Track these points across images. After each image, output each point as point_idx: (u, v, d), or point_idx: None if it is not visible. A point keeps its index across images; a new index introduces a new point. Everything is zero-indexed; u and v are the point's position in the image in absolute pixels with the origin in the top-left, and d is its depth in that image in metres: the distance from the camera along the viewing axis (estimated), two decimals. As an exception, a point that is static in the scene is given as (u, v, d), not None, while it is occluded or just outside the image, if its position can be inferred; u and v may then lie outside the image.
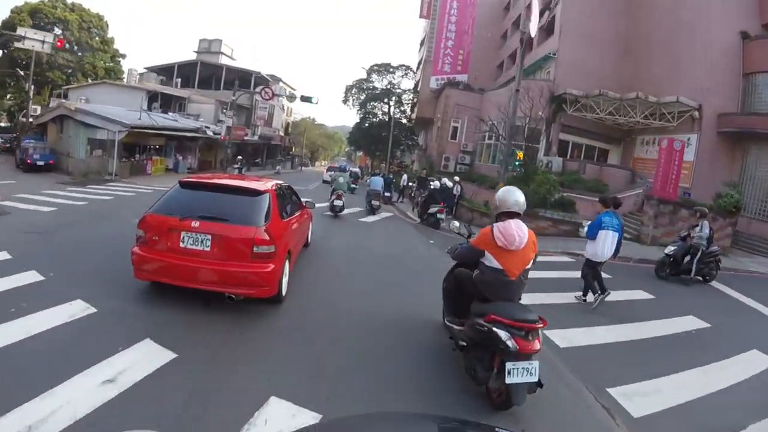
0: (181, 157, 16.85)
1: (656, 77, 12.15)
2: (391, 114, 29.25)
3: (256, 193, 3.27)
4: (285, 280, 3.42)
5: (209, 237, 2.96)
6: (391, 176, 14.17)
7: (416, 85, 28.73)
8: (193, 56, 26.87)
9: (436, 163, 18.10)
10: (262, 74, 26.37)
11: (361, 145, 32.87)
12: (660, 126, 11.72)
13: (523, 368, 2.07)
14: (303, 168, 44.54)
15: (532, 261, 2.39)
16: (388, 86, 29.44)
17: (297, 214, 4.24)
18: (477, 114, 17.18)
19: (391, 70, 29.55)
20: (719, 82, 10.70)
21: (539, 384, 2.13)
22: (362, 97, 30.00)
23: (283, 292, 3.37)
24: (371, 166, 46.82)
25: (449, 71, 20.44)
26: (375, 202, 10.16)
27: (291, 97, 23.43)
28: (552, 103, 13.18)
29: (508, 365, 2.06)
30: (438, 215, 9.06)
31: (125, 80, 23.40)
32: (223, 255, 2.96)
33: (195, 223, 2.96)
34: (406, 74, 30.15)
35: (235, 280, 2.95)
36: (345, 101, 31.63)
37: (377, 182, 10.86)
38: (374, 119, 30.35)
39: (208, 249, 2.96)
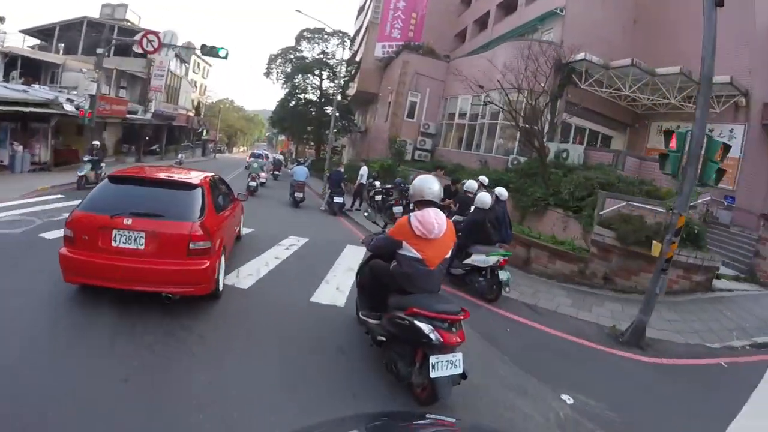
0: (20, 147, 13.39)
1: (683, 54, 11.46)
2: (323, 89, 30.47)
3: (190, 186, 3.98)
4: (222, 275, 4.26)
5: (143, 234, 3.55)
6: (341, 170, 12.91)
7: (354, 56, 30.28)
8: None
9: (387, 149, 18.18)
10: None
11: (285, 127, 34.04)
12: (692, 112, 10.92)
13: (447, 361, 2.64)
14: (218, 155, 46.72)
15: (450, 250, 3.03)
16: (321, 56, 30.58)
17: (230, 207, 5.18)
18: (441, 87, 18.24)
19: (325, 37, 30.45)
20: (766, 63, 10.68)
21: (463, 376, 2.71)
22: (289, 69, 30.92)
23: (220, 288, 4.20)
24: (296, 152, 48.57)
25: (399, 37, 21.40)
26: (298, 194, 12.44)
27: (188, 49, 22.72)
28: (560, 73, 12.60)
29: (432, 359, 2.61)
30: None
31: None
32: (159, 253, 3.57)
33: (127, 220, 3.53)
34: (342, 42, 31.22)
35: (172, 278, 3.59)
36: (267, 74, 32.24)
37: (301, 172, 12.94)
38: (302, 95, 31.39)
39: (142, 247, 3.55)
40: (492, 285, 5.34)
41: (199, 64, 45.59)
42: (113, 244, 3.53)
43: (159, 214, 3.65)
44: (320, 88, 30.93)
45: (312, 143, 35.77)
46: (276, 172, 22.73)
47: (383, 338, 3.06)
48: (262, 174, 16.53)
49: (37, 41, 25.32)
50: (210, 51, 14.01)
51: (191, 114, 36.76)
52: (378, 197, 12.03)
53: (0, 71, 16.59)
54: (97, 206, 3.64)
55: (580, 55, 12.35)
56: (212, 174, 4.94)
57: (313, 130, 31.80)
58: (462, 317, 2.76)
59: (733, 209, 10.68)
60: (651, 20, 14.58)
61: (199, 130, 41.57)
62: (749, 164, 11.17)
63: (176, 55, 31.78)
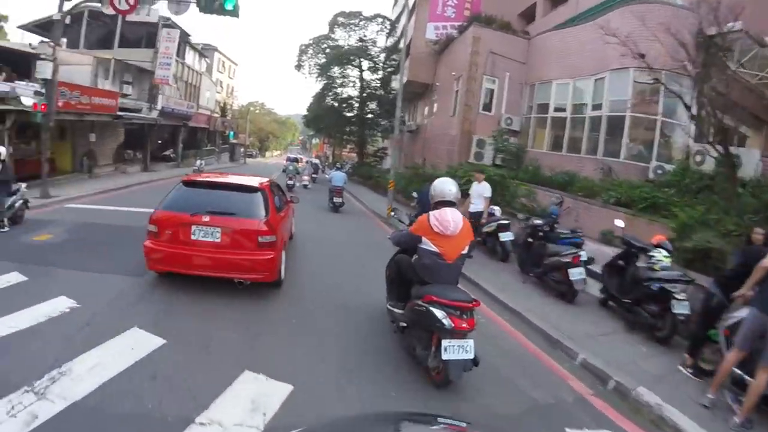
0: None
1: None
2: (364, 82, 34.49)
3: (255, 189, 6.51)
4: (282, 266, 6.79)
5: (219, 229, 5.92)
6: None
7: (397, 43, 32.56)
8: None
9: (458, 152, 19.30)
10: (181, 29, 29.83)
11: (320, 127, 39.41)
12: None
13: (458, 346, 4.09)
14: (248, 160, 57.26)
15: (467, 246, 4.55)
16: (359, 44, 34.25)
17: (285, 208, 8.06)
18: (522, 71, 18.97)
19: (362, 22, 34.29)
20: None
21: (475, 362, 4.14)
22: (322, 60, 35.00)
23: (282, 277, 6.76)
24: (332, 155, 54.98)
25: (454, 17, 22.96)
26: (337, 200, 17.17)
27: (178, 2, 21.89)
28: (701, 51, 11.36)
29: (444, 342, 4.07)
30: None
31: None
32: (232, 245, 5.95)
33: (205, 218, 5.91)
34: (382, 28, 34.19)
35: (244, 267, 5.97)
36: (299, 66, 36.59)
37: (339, 178, 17.78)
38: (340, 90, 36.02)
39: (218, 240, 5.93)
40: None
41: (224, 63, 54.56)
42: (192, 237, 5.92)
43: (232, 213, 6.08)
44: (361, 79, 34.91)
45: (352, 145, 41.12)
46: (314, 175, 30.26)
47: (405, 325, 4.68)
48: (305, 177, 26.92)
49: (39, 38, 26.59)
50: (211, 5, 13.16)
51: (215, 115, 43.01)
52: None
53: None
54: (176, 206, 6.14)
55: (737, 25, 10.92)
56: (269, 179, 7.71)
57: (355, 131, 36.28)
58: (473, 305, 4.21)
59: None
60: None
61: (226, 133, 49.11)
62: None
63: (195, 50, 36.41)
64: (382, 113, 34.02)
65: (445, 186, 4.66)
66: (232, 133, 50.30)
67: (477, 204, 10.40)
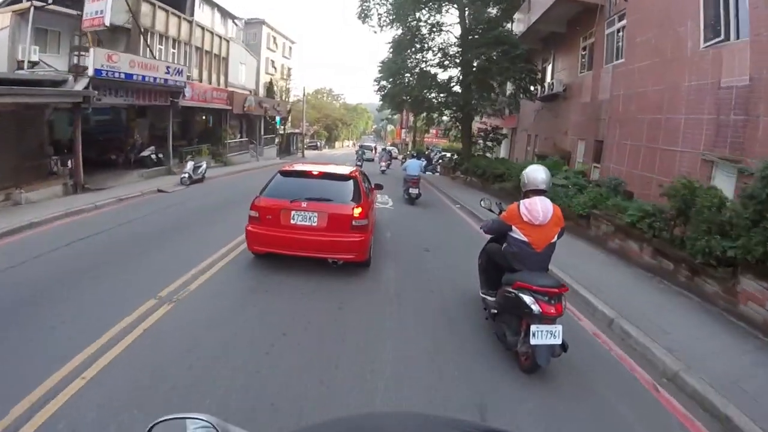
0: None
1: None
2: (467, 26, 23.80)
3: (347, 177, 7.32)
4: (371, 248, 7.46)
5: (316, 214, 6.66)
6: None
7: None
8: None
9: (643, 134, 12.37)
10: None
11: (399, 101, 28.31)
12: None
13: (547, 331, 4.26)
14: (311, 152, 52.00)
15: (557, 235, 4.68)
16: None
17: (372, 195, 8.82)
18: None
19: None
20: None
21: (563, 348, 4.31)
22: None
23: (371, 257, 7.47)
24: (413, 141, 48.80)
25: None
26: (413, 190, 15.92)
27: None
28: None
29: (533, 327, 4.26)
30: None
31: None
32: (328, 228, 6.64)
33: (304, 204, 6.68)
34: None
35: (339, 248, 6.70)
36: (364, 16, 26.53)
37: (414, 166, 16.63)
38: (427, 44, 25.40)
39: (315, 224, 6.66)
40: None
41: (275, 39, 45.89)
42: (292, 222, 6.69)
43: (328, 199, 6.84)
44: (463, 21, 23.97)
45: (453, 124, 29.08)
46: (388, 161, 29.33)
47: (495, 311, 4.94)
48: (382, 163, 28.40)
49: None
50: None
51: (245, 92, 31.74)
52: None
53: None
54: (275, 194, 6.96)
55: None
56: (357, 168, 8.63)
57: (456, 102, 24.44)
58: (561, 291, 4.37)
59: None
60: None
61: (275, 119, 38.73)
62: None
63: (214, 5, 29.14)
64: (500, 71, 21.49)
65: (537, 174, 4.75)
66: (279, 119, 39.35)
67: None
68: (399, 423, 1.42)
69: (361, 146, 42.40)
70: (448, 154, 34.68)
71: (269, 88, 40.82)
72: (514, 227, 4.69)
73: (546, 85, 21.29)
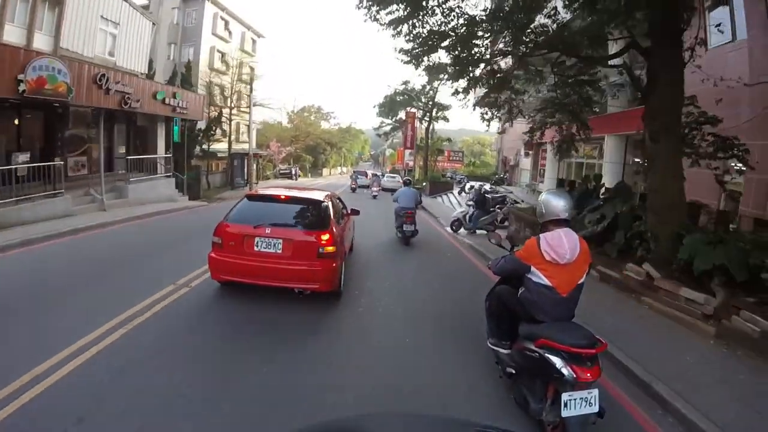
0: None
1: None
2: None
3: (315, 202, 6.86)
4: (342, 277, 7.07)
5: (280, 241, 6.25)
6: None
7: None
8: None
9: None
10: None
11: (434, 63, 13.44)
12: None
13: (581, 399, 3.37)
14: (255, 184, 30.80)
15: (585, 273, 3.79)
16: None
17: (345, 220, 8.34)
18: None
19: None
20: None
21: (600, 414, 3.40)
22: None
23: (341, 288, 7.03)
24: (425, 165, 42.89)
25: None
26: (408, 227, 12.35)
27: None
28: None
29: (565, 396, 3.37)
30: None
31: None
32: (293, 256, 6.21)
33: (268, 230, 6.27)
34: None
35: (305, 277, 6.24)
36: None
37: (407, 196, 12.69)
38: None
39: (280, 251, 6.25)
40: None
41: (227, 24, 37.48)
42: (255, 248, 6.28)
43: (293, 224, 6.49)
44: None
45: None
46: (378, 187, 30.69)
47: (512, 371, 3.98)
48: (374, 188, 29.90)
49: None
50: None
51: (142, 78, 19.49)
52: None
53: None
54: (240, 219, 6.54)
55: None
56: (331, 192, 8.05)
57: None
58: (597, 350, 3.47)
59: None
60: None
61: (209, 129, 28.57)
62: None
63: None
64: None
65: (558, 201, 3.84)
66: (177, 126, 21.24)
67: None
68: (399, 423, 1.57)
69: (355, 171, 44.86)
70: (514, 191, 21.66)
71: (209, 86, 31.86)
72: (533, 268, 3.79)
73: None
